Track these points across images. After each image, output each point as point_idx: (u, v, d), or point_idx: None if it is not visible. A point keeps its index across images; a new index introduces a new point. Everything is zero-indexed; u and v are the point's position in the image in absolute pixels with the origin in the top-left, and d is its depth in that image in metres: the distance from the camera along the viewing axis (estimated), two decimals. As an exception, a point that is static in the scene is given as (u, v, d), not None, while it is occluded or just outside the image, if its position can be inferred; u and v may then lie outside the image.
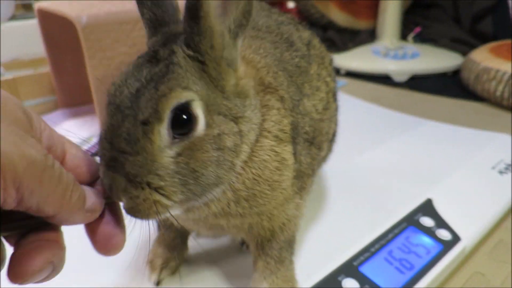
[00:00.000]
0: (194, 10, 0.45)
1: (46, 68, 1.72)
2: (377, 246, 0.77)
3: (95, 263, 0.73)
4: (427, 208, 0.88)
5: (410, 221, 0.83)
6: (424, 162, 1.08)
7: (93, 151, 1.20)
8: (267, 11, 0.81)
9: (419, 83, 2.00)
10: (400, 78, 2.05)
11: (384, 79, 2.05)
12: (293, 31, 0.78)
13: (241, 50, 0.54)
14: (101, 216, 0.45)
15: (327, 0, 2.35)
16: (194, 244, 0.80)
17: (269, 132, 0.57)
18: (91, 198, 0.43)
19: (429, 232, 0.81)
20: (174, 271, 0.74)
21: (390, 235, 0.80)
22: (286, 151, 0.58)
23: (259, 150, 0.55)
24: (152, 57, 0.48)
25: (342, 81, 2.04)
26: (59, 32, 1.34)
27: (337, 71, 2.19)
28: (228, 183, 0.53)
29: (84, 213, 0.42)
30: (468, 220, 0.86)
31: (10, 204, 0.35)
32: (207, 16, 0.46)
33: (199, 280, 0.74)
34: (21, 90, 1.34)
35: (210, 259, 0.78)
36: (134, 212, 0.46)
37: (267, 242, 0.66)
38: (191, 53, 0.48)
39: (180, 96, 0.45)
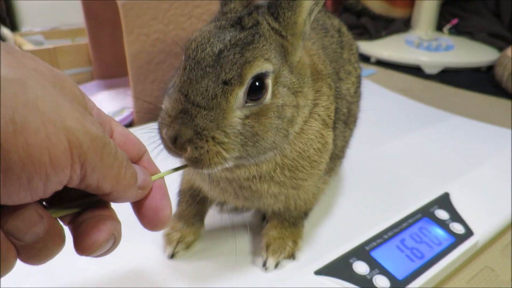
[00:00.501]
0: None
1: (84, 39, 1.79)
2: (390, 233, 0.80)
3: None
4: (444, 201, 0.89)
5: (425, 213, 0.86)
6: (447, 156, 1.09)
7: (125, 123, 1.25)
8: None
9: (451, 76, 1.97)
10: (432, 70, 2.02)
11: (414, 70, 2.03)
12: (325, 18, 0.81)
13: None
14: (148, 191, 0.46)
15: (364, -14, 2.31)
16: (210, 222, 0.82)
17: (319, 115, 0.62)
18: (141, 175, 0.43)
19: (443, 224, 0.83)
20: (189, 246, 0.77)
21: (404, 224, 0.82)
22: (330, 136, 0.64)
23: (308, 129, 0.61)
24: (236, 23, 0.53)
25: (371, 69, 2.03)
26: (99, 6, 1.39)
27: (368, 59, 2.18)
28: (280, 149, 0.58)
29: (136, 190, 0.42)
30: (483, 216, 0.87)
31: (74, 181, 0.35)
32: None
33: (212, 257, 0.76)
34: (60, 59, 1.40)
35: (224, 237, 0.81)
36: (196, 161, 0.50)
37: (288, 213, 0.74)
38: (276, 26, 0.53)
39: (262, 66, 0.51)
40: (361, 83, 0.87)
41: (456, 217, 0.86)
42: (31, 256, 0.36)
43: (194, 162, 0.51)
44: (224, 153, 0.51)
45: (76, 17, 1.82)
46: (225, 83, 0.49)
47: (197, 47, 0.51)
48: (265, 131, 0.53)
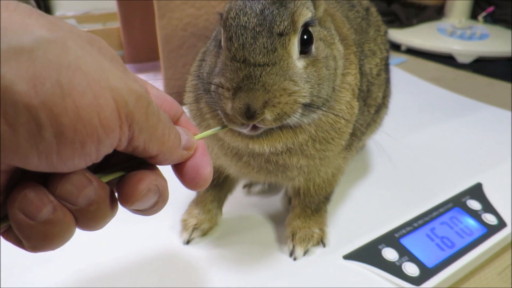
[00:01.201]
0: None
1: (115, 24, 1.82)
2: (420, 221, 0.79)
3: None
4: (476, 191, 0.88)
5: (456, 202, 0.84)
6: (479, 146, 1.07)
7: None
8: None
9: (484, 66, 1.91)
10: (465, 59, 1.96)
11: (447, 59, 1.98)
12: None
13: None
14: None
15: (396, -28, 2.25)
16: (228, 210, 0.82)
17: (349, 85, 0.62)
18: (184, 136, 0.43)
19: (475, 215, 0.82)
20: (205, 233, 0.77)
21: (435, 213, 0.82)
22: (356, 106, 0.64)
23: (340, 100, 0.61)
24: None
25: (402, 57, 1.98)
26: (131, -10, 1.40)
27: (398, 47, 2.13)
28: (329, 104, 0.58)
29: (181, 151, 0.42)
30: (516, 207, 0.85)
31: (123, 143, 0.35)
32: None
33: (227, 245, 0.76)
34: (93, 43, 1.43)
35: (241, 226, 0.81)
36: (280, 118, 0.50)
37: (309, 198, 0.73)
38: None
39: (307, 14, 0.52)
40: (389, 69, 0.85)
41: (488, 207, 0.84)
42: (88, 220, 0.36)
43: (278, 119, 0.50)
44: (300, 99, 0.51)
45: (107, 2, 1.85)
46: (280, 34, 0.49)
47: (236, 13, 0.50)
48: (322, 81, 0.54)
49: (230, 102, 0.49)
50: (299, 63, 0.52)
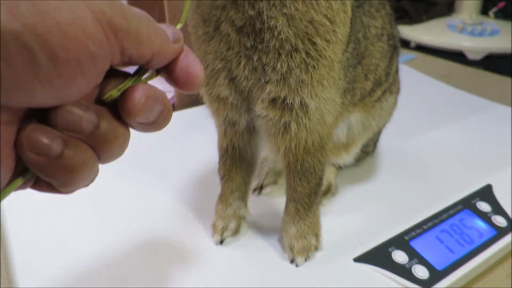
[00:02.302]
0: None
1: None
2: (430, 224, 0.80)
3: (169, 222, 0.83)
4: (486, 193, 0.88)
5: (466, 204, 0.85)
6: (489, 147, 1.07)
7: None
8: None
9: (495, 62, 1.90)
10: (475, 56, 1.95)
11: (457, 56, 1.97)
12: None
13: None
14: None
15: (405, -33, 2.23)
16: (254, 205, 0.84)
17: None
18: (168, 29, 0.41)
19: (484, 217, 0.83)
20: (235, 232, 0.78)
21: (444, 215, 0.82)
22: (348, 5, 0.58)
23: None
24: None
25: (411, 54, 1.98)
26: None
27: (407, 44, 2.12)
28: None
29: (172, 45, 0.40)
30: (527, 210, 0.86)
31: (116, 55, 0.35)
32: None
33: (259, 239, 0.78)
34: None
35: (271, 221, 0.83)
36: None
37: (298, 180, 0.69)
38: None
39: None
40: (392, 43, 0.81)
41: (498, 209, 0.84)
42: (103, 145, 0.36)
43: None
44: None
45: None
46: None
47: None
48: None
49: None
50: None
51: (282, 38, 0.54)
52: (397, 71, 0.89)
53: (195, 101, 1.27)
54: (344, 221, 0.82)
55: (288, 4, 0.53)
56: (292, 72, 0.57)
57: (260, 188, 0.91)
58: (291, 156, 0.67)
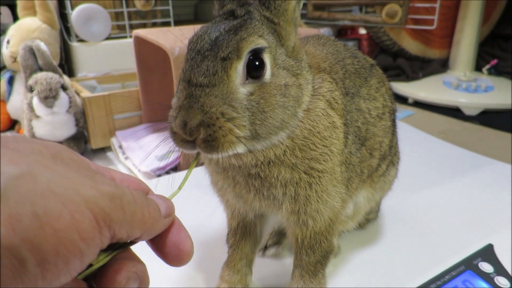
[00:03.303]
0: None
1: (132, 83, 1.92)
2: (433, 286, 0.80)
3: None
4: (488, 253, 0.89)
5: (468, 265, 0.86)
6: (489, 205, 1.09)
7: (171, 166, 1.31)
8: (339, 42, 0.85)
9: (491, 118, 1.95)
10: (471, 111, 2.01)
11: (453, 111, 2.03)
12: (359, 53, 0.84)
13: (304, 47, 0.66)
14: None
15: (400, 28, 2.36)
16: (258, 270, 0.85)
17: (323, 96, 0.64)
18: (162, 204, 0.43)
19: (487, 278, 0.83)
20: None
21: (447, 277, 0.83)
22: (337, 119, 0.65)
23: (314, 108, 0.62)
24: (229, 15, 0.58)
25: (409, 110, 2.04)
26: (150, 55, 1.50)
27: (405, 100, 2.19)
28: (291, 130, 0.59)
29: (163, 220, 0.42)
30: (530, 270, 0.86)
31: (105, 243, 0.35)
32: None
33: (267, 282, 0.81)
34: (113, 104, 1.51)
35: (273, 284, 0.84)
36: (210, 143, 0.51)
37: (305, 252, 0.72)
38: (268, 14, 0.58)
39: (257, 42, 0.54)
40: (394, 119, 0.86)
41: (501, 270, 0.85)
42: None
43: (208, 145, 0.51)
44: (236, 130, 0.52)
45: (125, 63, 1.96)
46: (223, 59, 0.52)
47: (197, 39, 0.55)
48: (272, 109, 0.55)
49: (174, 120, 0.52)
50: (242, 88, 0.53)
51: (286, 178, 0.63)
52: (397, 142, 0.92)
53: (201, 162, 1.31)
54: (349, 283, 0.82)
55: (287, 159, 0.61)
56: (300, 193, 0.64)
57: (264, 249, 0.93)
58: (300, 236, 0.71)
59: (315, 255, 0.72)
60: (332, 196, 0.67)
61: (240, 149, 0.55)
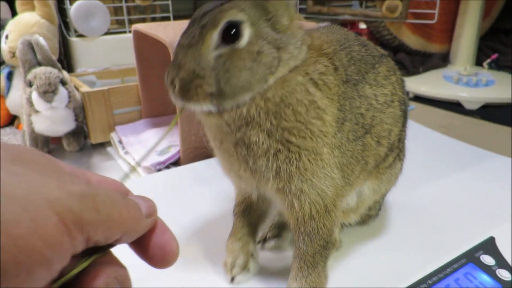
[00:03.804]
0: None
1: (132, 78, 1.91)
2: (434, 279, 0.80)
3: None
4: (489, 246, 0.89)
5: (470, 258, 0.85)
6: (490, 198, 1.08)
7: (171, 161, 1.30)
8: (350, 34, 0.83)
9: (492, 112, 1.95)
10: (472, 106, 2.00)
11: (454, 106, 2.03)
12: (370, 43, 0.82)
13: (310, 32, 0.71)
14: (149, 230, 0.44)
15: (400, 23, 2.35)
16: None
17: (306, 73, 0.65)
18: (142, 203, 0.42)
19: (489, 270, 0.83)
20: (243, 268, 0.80)
21: (449, 270, 0.82)
22: (322, 99, 0.65)
23: (290, 80, 0.64)
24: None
25: (410, 105, 2.03)
26: (149, 50, 1.49)
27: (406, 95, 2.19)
28: (259, 91, 0.63)
29: (145, 220, 0.41)
30: (531, 262, 0.86)
31: (79, 247, 0.33)
32: None
33: (269, 274, 0.82)
34: (113, 99, 1.50)
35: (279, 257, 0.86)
36: (184, 91, 0.59)
37: (302, 239, 0.72)
38: None
39: (236, 15, 0.60)
40: (404, 109, 0.83)
41: (502, 263, 0.85)
42: None
43: (183, 94, 0.59)
44: (204, 86, 0.59)
45: (125, 58, 1.95)
46: (202, 26, 0.59)
47: (197, 11, 0.63)
48: (237, 70, 0.60)
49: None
50: (213, 52, 0.60)
51: (265, 146, 0.65)
52: (405, 137, 0.90)
53: (200, 156, 1.31)
54: (351, 276, 0.82)
55: (263, 123, 0.64)
56: (281, 168, 0.66)
57: (263, 241, 0.92)
58: (297, 220, 0.71)
59: (312, 244, 0.72)
60: (318, 177, 0.67)
61: (209, 105, 0.61)
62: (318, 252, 0.73)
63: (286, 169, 0.66)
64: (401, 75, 0.86)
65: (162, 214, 0.95)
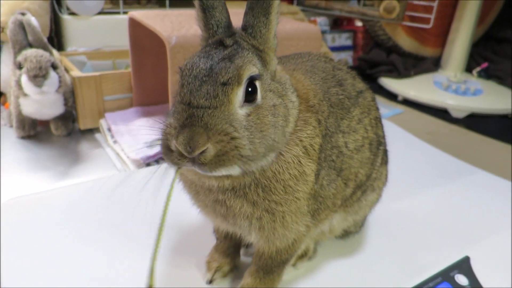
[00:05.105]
0: (267, 8, 0.61)
1: (124, 61, 1.88)
2: (410, 296, 0.84)
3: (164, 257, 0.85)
4: (464, 266, 0.93)
5: (445, 277, 0.89)
6: (468, 215, 1.12)
7: (161, 155, 1.30)
8: (329, 62, 0.87)
9: (477, 122, 1.99)
10: (459, 114, 2.04)
11: (441, 113, 2.06)
12: (347, 78, 0.85)
13: (294, 74, 0.74)
14: None
15: (396, 24, 2.35)
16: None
17: (300, 141, 0.68)
18: None
19: (462, 290, 0.87)
20: (225, 275, 0.86)
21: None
22: (309, 167, 0.68)
23: (286, 152, 0.66)
24: (218, 45, 0.61)
25: (398, 109, 2.06)
26: (144, 38, 1.47)
27: (395, 97, 2.21)
28: (279, 151, 0.64)
29: None
30: (502, 283, 0.90)
31: None
32: (274, 13, 0.61)
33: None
34: (104, 85, 1.48)
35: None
36: (221, 156, 0.55)
37: (264, 259, 0.77)
38: (254, 43, 0.63)
39: (252, 69, 0.59)
40: (374, 150, 0.85)
41: (475, 283, 0.89)
42: None
43: (218, 159, 0.55)
44: (241, 150, 0.56)
45: (117, 39, 1.91)
46: (224, 84, 0.56)
47: (191, 66, 0.58)
48: (267, 128, 0.59)
49: (174, 139, 0.55)
50: (241, 111, 0.58)
51: (248, 213, 0.67)
52: (384, 163, 0.92)
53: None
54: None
55: (250, 194, 0.65)
56: (265, 226, 0.68)
57: (246, 246, 0.95)
58: (266, 251, 0.76)
59: (273, 262, 0.78)
60: (297, 224, 0.71)
61: (236, 169, 0.58)
62: (276, 266, 0.79)
63: (270, 227, 0.69)
64: (377, 113, 0.89)
65: (155, 209, 0.94)
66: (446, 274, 0.90)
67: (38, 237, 0.92)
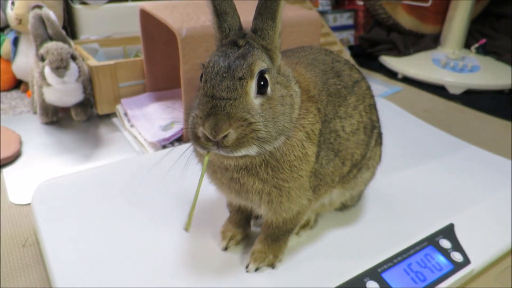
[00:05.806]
0: (274, 13, 0.71)
1: (134, 47, 1.98)
2: (399, 258, 0.96)
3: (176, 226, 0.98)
4: (448, 232, 1.04)
5: (430, 241, 1.01)
6: (456, 187, 1.23)
7: (174, 138, 1.41)
8: (329, 55, 0.97)
9: (473, 98, 2.07)
10: (455, 90, 2.12)
11: (439, 90, 2.14)
12: (345, 69, 0.95)
13: (296, 67, 0.85)
14: None
15: (396, 2, 2.41)
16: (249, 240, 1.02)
17: (303, 127, 0.79)
18: None
19: (445, 253, 0.99)
20: (238, 243, 0.98)
21: (412, 251, 0.98)
22: (311, 149, 0.79)
23: (292, 137, 0.77)
24: (233, 45, 0.72)
25: (397, 87, 2.14)
26: (154, 28, 1.56)
27: (395, 75, 2.29)
28: (287, 135, 0.75)
29: None
30: (482, 246, 1.02)
31: None
32: (279, 17, 0.72)
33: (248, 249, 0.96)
34: (119, 73, 1.59)
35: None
36: (240, 138, 0.66)
37: (272, 229, 0.89)
38: (264, 43, 0.73)
39: (262, 65, 0.70)
40: (368, 133, 0.95)
41: (457, 247, 1.00)
42: None
43: (238, 142, 0.66)
44: (258, 132, 0.67)
45: (127, 26, 2.01)
46: (240, 78, 0.67)
47: (213, 64, 0.68)
48: (277, 115, 0.70)
49: (201, 126, 0.66)
50: (256, 101, 0.68)
51: (259, 189, 0.78)
52: (378, 144, 1.03)
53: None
54: (326, 254, 0.97)
55: (261, 173, 0.76)
56: (273, 200, 0.80)
57: (256, 218, 1.06)
58: (274, 221, 0.88)
59: (279, 230, 0.90)
60: (301, 198, 0.82)
61: (254, 149, 0.69)
62: (282, 234, 0.91)
63: (278, 200, 0.80)
64: (372, 100, 0.99)
65: (172, 190, 1.08)
66: (431, 239, 1.02)
67: (77, 214, 1.04)
